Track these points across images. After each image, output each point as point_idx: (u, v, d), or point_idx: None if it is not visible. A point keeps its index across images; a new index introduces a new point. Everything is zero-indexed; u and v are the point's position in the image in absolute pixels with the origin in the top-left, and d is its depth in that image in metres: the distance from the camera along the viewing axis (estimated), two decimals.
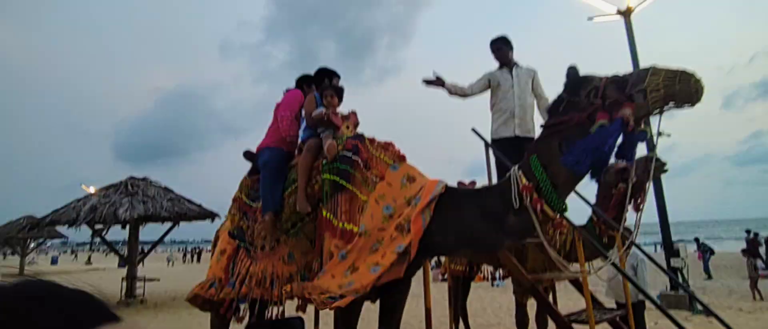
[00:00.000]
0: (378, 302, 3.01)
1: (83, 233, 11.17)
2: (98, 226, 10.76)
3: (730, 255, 19.05)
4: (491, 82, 4.21)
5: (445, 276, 5.90)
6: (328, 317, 2.78)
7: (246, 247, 3.35)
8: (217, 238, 3.81)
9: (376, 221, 2.62)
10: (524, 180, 2.46)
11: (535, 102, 4.16)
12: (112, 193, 10.73)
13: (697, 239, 16.25)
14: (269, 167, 3.21)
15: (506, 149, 3.83)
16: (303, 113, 3.34)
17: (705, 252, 14.33)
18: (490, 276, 11.46)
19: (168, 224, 11.36)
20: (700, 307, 8.13)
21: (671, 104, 2.25)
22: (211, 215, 11.29)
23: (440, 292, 8.63)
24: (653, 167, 3.38)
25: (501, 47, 4.26)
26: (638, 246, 4.10)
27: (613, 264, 3.38)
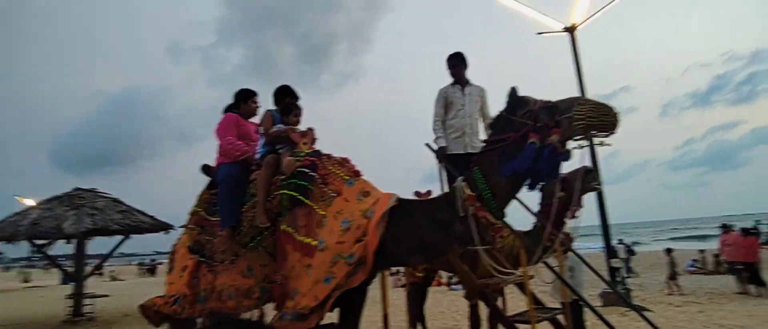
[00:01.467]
0: (337, 309, 3.16)
1: (19, 248, 10.55)
2: (40, 241, 10.19)
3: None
4: (446, 99, 4.36)
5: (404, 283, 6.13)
6: None
7: (206, 262, 3.41)
8: (174, 253, 3.83)
9: (335, 235, 2.76)
10: (468, 191, 2.71)
11: (481, 120, 4.41)
12: (55, 206, 10.17)
13: (620, 240, 17.48)
14: (227, 183, 3.30)
15: (457, 164, 4.03)
16: (261, 129, 3.45)
17: (627, 252, 15.53)
18: (447, 281, 11.88)
19: (118, 238, 10.94)
20: (634, 303, 8.79)
21: (592, 131, 2.56)
22: (166, 228, 10.95)
23: (400, 297, 8.84)
24: (582, 181, 3.74)
25: (456, 64, 4.43)
26: (574, 251, 4.47)
27: (547, 265, 3.69)
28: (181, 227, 3.83)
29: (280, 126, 3.26)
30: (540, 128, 2.57)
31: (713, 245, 15.24)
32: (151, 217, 10.92)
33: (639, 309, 4.57)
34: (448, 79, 4.48)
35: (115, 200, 10.82)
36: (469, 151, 4.11)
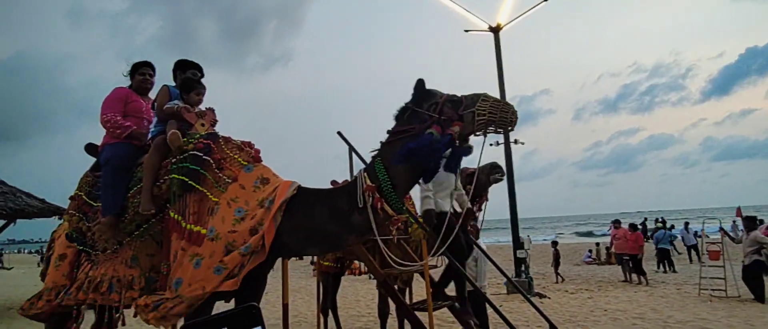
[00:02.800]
0: (233, 300, 3.03)
1: None
2: None
3: (566, 245, 22.45)
4: None
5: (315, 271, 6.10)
6: None
7: (86, 251, 3.11)
8: (52, 241, 3.47)
9: (227, 224, 2.62)
10: (368, 181, 2.68)
11: None
12: None
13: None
14: (111, 165, 3.00)
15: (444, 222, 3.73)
16: (156, 106, 3.18)
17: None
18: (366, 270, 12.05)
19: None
20: (535, 291, 9.51)
21: (492, 127, 2.65)
22: (58, 212, 9.91)
23: (315, 286, 8.80)
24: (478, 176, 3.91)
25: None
26: (476, 243, 4.69)
27: (448, 256, 3.83)
28: None
29: (176, 103, 3.01)
30: (444, 121, 2.59)
31: (608, 239, 16.91)
32: (41, 200, 9.85)
33: (529, 297, 4.91)
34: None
35: None
36: (457, 210, 3.89)
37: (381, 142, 3.17)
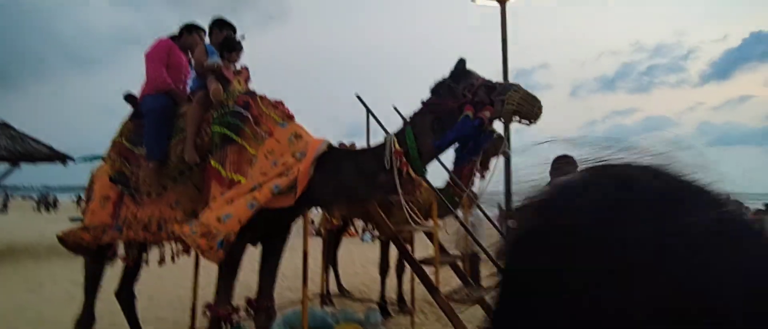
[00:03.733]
0: (260, 247, 3.34)
1: None
2: None
3: None
4: None
5: (320, 230, 6.47)
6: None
7: (130, 193, 3.35)
8: (92, 182, 3.69)
9: (263, 174, 2.87)
10: (397, 146, 2.94)
11: None
12: None
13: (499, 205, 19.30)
14: (154, 115, 3.22)
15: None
16: (194, 62, 3.37)
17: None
18: (361, 231, 12.50)
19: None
20: None
21: (517, 117, 2.90)
22: (64, 158, 10.09)
23: (314, 245, 9.17)
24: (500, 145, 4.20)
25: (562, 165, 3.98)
26: (480, 207, 5.02)
27: (456, 217, 4.16)
28: (86, 159, 3.68)
29: (216, 60, 3.21)
30: (476, 103, 2.83)
31: None
32: (48, 146, 9.98)
33: None
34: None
35: (4, 125, 9.69)
36: None
37: (405, 114, 3.35)
